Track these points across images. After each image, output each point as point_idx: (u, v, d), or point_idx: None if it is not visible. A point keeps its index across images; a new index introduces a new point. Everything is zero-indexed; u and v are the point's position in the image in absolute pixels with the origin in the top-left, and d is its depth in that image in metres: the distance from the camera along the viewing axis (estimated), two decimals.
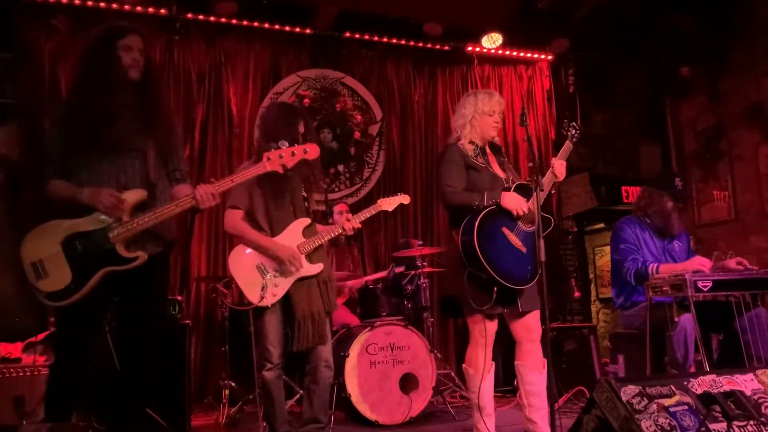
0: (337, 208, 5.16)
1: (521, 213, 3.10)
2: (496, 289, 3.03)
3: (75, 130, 2.64)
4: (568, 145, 3.42)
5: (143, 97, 2.76)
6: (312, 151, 2.86)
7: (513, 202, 3.10)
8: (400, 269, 4.94)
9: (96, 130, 2.62)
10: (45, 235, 2.59)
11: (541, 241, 3.00)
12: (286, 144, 2.86)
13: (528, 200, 3.15)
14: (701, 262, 3.60)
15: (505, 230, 3.09)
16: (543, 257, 2.78)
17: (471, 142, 3.27)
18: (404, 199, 3.75)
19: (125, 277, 2.61)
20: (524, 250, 3.09)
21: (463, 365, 3.29)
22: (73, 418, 3.12)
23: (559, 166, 3.27)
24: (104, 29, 2.81)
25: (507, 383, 4.90)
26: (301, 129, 3.33)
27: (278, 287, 3.17)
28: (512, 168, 3.48)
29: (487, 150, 3.35)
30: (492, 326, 3.19)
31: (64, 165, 2.68)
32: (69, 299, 2.54)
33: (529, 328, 3.20)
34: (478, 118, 3.26)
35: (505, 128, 6.60)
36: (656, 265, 3.70)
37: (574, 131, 3.45)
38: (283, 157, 2.79)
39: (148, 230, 2.64)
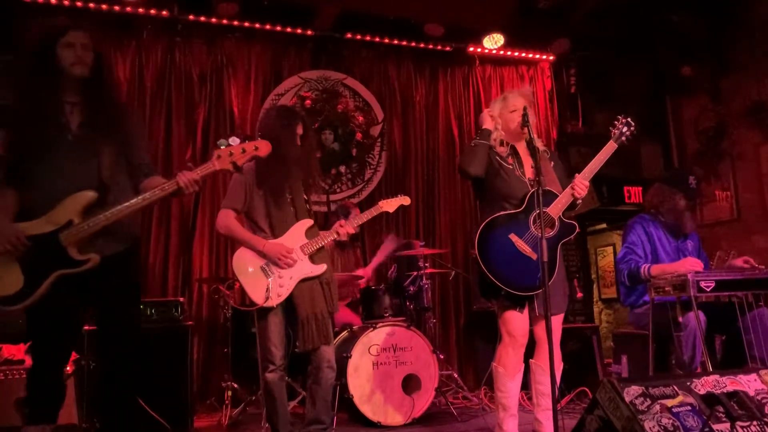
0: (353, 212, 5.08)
1: (487, 122, 3.22)
2: (503, 292, 3.05)
3: (24, 133, 2.57)
4: (610, 146, 3.29)
5: (92, 94, 2.67)
6: (263, 147, 2.77)
7: (486, 122, 3.24)
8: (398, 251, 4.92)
9: (45, 131, 2.56)
10: None
11: (527, 250, 3.01)
12: (237, 141, 2.79)
13: (548, 205, 3.13)
14: (692, 263, 3.59)
15: (513, 237, 3.07)
16: (545, 257, 2.77)
17: (502, 144, 3.27)
18: (405, 200, 3.75)
19: (90, 280, 2.56)
20: (534, 256, 3.04)
21: (493, 363, 3.26)
22: (76, 419, 3.13)
23: (579, 182, 3.18)
24: (43, 28, 2.72)
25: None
26: (300, 131, 3.34)
27: (283, 288, 3.18)
28: (552, 173, 3.33)
29: (519, 150, 3.29)
30: (517, 324, 3.15)
31: (15, 169, 2.59)
32: (22, 303, 2.48)
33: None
34: (500, 120, 3.27)
35: None
36: (648, 266, 3.69)
37: (625, 129, 3.30)
38: (233, 154, 2.69)
39: (105, 231, 2.57)
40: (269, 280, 3.17)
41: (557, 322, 3.21)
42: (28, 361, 3.76)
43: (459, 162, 3.30)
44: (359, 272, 5.03)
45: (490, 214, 3.14)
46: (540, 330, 3.22)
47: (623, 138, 3.32)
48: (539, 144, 3.24)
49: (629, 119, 3.33)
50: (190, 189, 2.64)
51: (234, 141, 2.77)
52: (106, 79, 2.76)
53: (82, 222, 2.54)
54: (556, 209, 3.15)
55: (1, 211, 2.56)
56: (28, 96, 2.61)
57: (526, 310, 3.15)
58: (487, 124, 3.24)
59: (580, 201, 3.24)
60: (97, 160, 2.63)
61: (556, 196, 3.17)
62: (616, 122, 3.35)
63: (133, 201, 2.59)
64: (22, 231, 2.50)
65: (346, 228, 3.40)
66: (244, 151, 2.71)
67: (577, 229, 3.25)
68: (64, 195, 2.55)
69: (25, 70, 2.67)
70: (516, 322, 3.14)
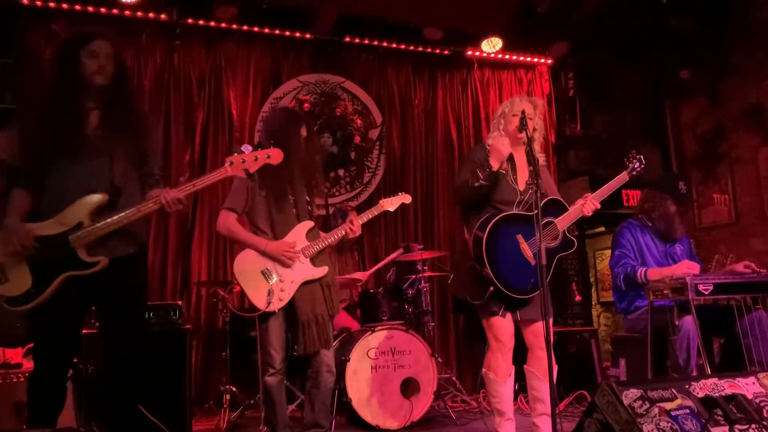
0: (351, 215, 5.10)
1: (504, 153, 3.10)
2: (491, 288, 3.04)
3: (42, 136, 2.62)
4: (623, 177, 3.37)
5: (112, 102, 2.73)
6: (275, 156, 2.80)
7: (496, 154, 3.10)
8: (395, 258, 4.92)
9: (62, 136, 2.60)
10: (4, 238, 2.56)
11: (542, 246, 3.00)
12: (250, 148, 2.82)
13: (557, 217, 3.14)
14: (689, 266, 3.60)
15: (520, 238, 3.07)
16: (544, 261, 2.77)
17: None
18: (406, 198, 3.75)
19: (98, 282, 2.58)
20: (533, 262, 3.05)
21: (483, 370, 3.27)
22: (74, 423, 3.12)
23: (591, 202, 3.19)
24: (69, 36, 2.79)
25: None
26: (303, 133, 3.35)
27: (284, 292, 3.18)
28: (552, 183, 3.39)
29: (516, 156, 3.28)
30: (503, 329, 3.15)
31: (29, 171, 2.65)
32: (29, 304, 2.51)
33: (539, 335, 3.20)
34: (503, 121, 3.27)
35: None
36: (644, 269, 3.71)
37: (638, 165, 3.41)
38: (245, 161, 2.73)
39: (116, 233, 2.60)
40: (271, 284, 3.17)
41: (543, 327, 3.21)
42: (26, 365, 3.76)
43: (457, 192, 3.26)
44: (357, 275, 5.03)
45: (476, 216, 3.14)
46: (530, 336, 3.23)
47: (634, 173, 3.42)
48: (540, 158, 3.24)
49: (641, 156, 3.44)
50: (173, 208, 2.64)
51: (246, 148, 2.80)
52: (125, 87, 2.82)
53: (92, 224, 2.56)
54: (563, 223, 3.16)
55: (12, 212, 2.61)
56: (49, 100, 2.66)
57: (508, 314, 3.15)
58: (495, 163, 3.14)
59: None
60: (110, 164, 2.67)
61: (566, 208, 3.18)
62: (630, 156, 3.45)
63: (130, 210, 2.61)
64: (32, 232, 2.54)
65: (357, 225, 3.41)
66: (256, 158, 2.75)
67: (575, 246, 3.26)
68: (76, 197, 2.58)
69: (47, 74, 2.74)
70: (502, 326, 3.14)
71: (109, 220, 2.58)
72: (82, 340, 3.39)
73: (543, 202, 3.10)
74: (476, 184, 3.07)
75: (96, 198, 2.59)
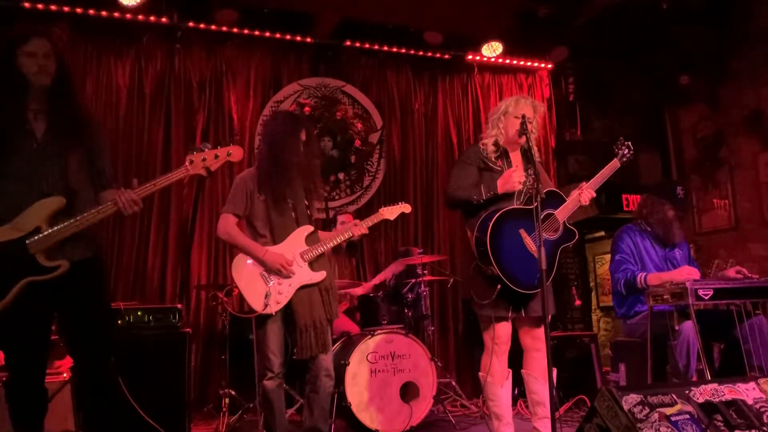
0: (341, 218, 5.14)
1: (516, 189, 3.11)
2: (499, 287, 3.03)
3: None
4: (614, 164, 3.41)
5: (56, 102, 2.64)
6: (235, 153, 2.76)
7: (506, 184, 3.11)
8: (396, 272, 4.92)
9: (10, 140, 2.53)
10: None
11: (532, 248, 3.01)
12: (209, 146, 2.79)
13: (556, 209, 3.15)
14: (689, 272, 3.61)
15: (523, 233, 3.07)
16: (544, 265, 2.77)
17: (495, 144, 3.28)
18: (405, 208, 3.76)
19: (58, 287, 2.52)
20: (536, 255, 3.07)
21: (480, 373, 3.27)
22: (72, 426, 3.11)
23: (587, 191, 3.22)
24: (4, 36, 2.68)
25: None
26: (303, 137, 3.35)
27: (282, 294, 3.18)
28: (548, 180, 3.42)
29: (512, 155, 3.31)
30: (503, 332, 3.16)
31: None
32: None
33: (536, 336, 3.20)
34: (504, 119, 3.27)
35: None
36: (644, 274, 3.71)
37: (626, 151, 3.44)
38: (206, 159, 2.69)
39: (75, 236, 2.55)
40: (268, 286, 3.17)
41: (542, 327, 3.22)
42: None
43: (451, 199, 3.27)
44: (358, 291, 5.04)
45: (477, 215, 3.14)
46: (527, 336, 3.23)
47: (624, 159, 3.46)
48: (536, 155, 3.26)
49: (629, 143, 3.48)
50: (129, 210, 2.59)
51: (206, 146, 2.76)
52: (70, 87, 2.72)
53: (51, 228, 2.50)
54: (562, 214, 3.17)
55: None
56: None
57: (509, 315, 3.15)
58: (502, 190, 3.13)
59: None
60: (63, 166, 2.60)
61: (564, 199, 3.19)
62: (618, 143, 3.48)
63: (89, 213, 2.56)
64: None
65: (361, 228, 3.42)
66: (217, 156, 2.72)
67: (577, 236, 3.26)
68: (30, 202, 2.51)
69: None
70: (501, 328, 3.14)
71: (67, 223, 2.51)
72: (51, 345, 3.36)
73: (543, 193, 3.13)
74: (479, 202, 3.12)
75: (53, 201, 2.53)
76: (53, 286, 2.51)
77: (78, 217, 2.53)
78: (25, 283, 2.46)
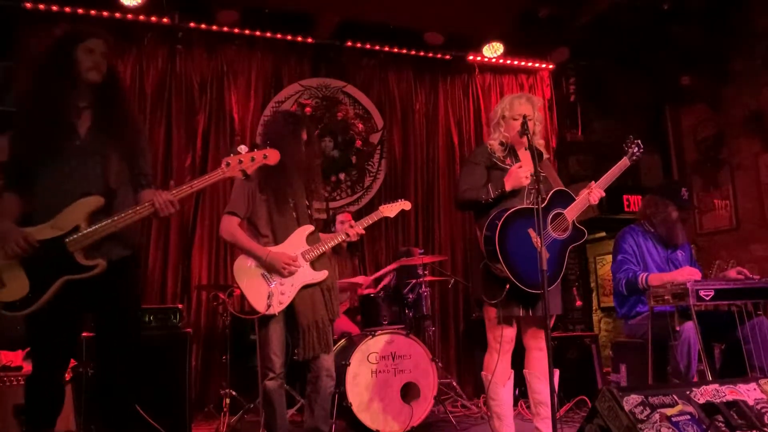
0: (339, 217, 5.16)
1: (524, 184, 3.11)
2: (508, 286, 3.03)
3: (32, 136, 2.58)
4: (624, 162, 3.39)
5: (104, 100, 2.70)
6: (272, 156, 2.79)
7: (513, 180, 3.11)
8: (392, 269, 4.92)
9: (54, 135, 2.57)
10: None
11: (544, 249, 3.00)
12: (246, 149, 2.81)
13: (565, 208, 3.15)
14: (690, 272, 3.60)
15: (531, 232, 3.06)
16: (545, 266, 2.77)
17: (501, 143, 3.28)
18: (405, 205, 3.76)
19: (93, 286, 2.55)
20: (546, 255, 3.06)
21: (482, 373, 3.26)
22: (73, 426, 3.11)
23: (596, 190, 3.23)
24: (65, 32, 2.76)
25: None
26: (304, 137, 3.36)
27: (284, 295, 3.18)
28: (556, 176, 3.42)
29: (520, 153, 3.31)
30: (508, 333, 3.17)
31: (19, 173, 2.61)
32: (27, 309, 2.48)
33: (541, 336, 3.20)
34: (503, 123, 3.28)
35: None
36: (646, 275, 3.71)
37: (636, 149, 3.42)
38: (242, 162, 2.72)
39: (112, 236, 2.58)
40: (271, 287, 3.17)
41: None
42: (27, 368, 3.75)
43: (460, 200, 3.27)
44: (359, 279, 5.03)
45: (486, 214, 3.14)
46: (530, 336, 3.23)
47: (634, 157, 3.43)
48: (543, 151, 3.27)
49: (638, 141, 3.44)
50: (166, 211, 2.61)
51: (242, 149, 2.79)
52: (118, 88, 2.80)
53: (89, 228, 2.53)
54: (572, 213, 3.17)
55: (3, 216, 2.56)
56: (39, 97, 2.62)
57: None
58: (510, 187, 3.14)
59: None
60: (104, 165, 2.63)
61: (573, 198, 3.19)
62: (628, 141, 3.45)
63: (127, 213, 2.59)
64: (30, 235, 2.50)
65: (357, 228, 3.42)
66: (253, 159, 2.74)
67: (585, 235, 3.26)
68: (70, 200, 2.55)
69: (39, 70, 2.69)
70: (507, 328, 3.15)
71: (105, 222, 2.54)
72: (78, 344, 3.38)
73: (550, 193, 3.14)
74: (488, 201, 3.12)
75: (92, 200, 2.56)
76: (89, 285, 2.54)
77: (116, 217, 2.57)
78: (63, 281, 2.50)
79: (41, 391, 2.59)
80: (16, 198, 2.62)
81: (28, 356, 3.80)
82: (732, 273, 3.72)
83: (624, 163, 3.40)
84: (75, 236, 2.52)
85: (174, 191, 2.64)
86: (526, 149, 3.28)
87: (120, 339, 2.66)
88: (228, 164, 2.71)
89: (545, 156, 3.35)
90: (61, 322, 2.57)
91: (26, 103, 2.70)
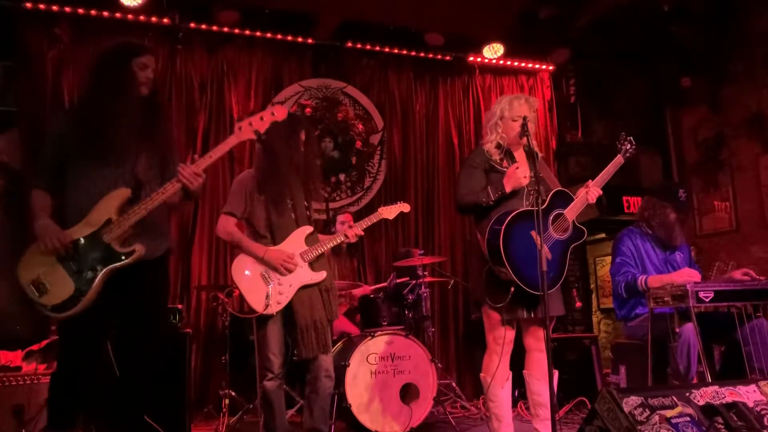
0: (340, 218, 5.15)
1: (523, 184, 3.11)
2: (513, 289, 3.02)
3: (77, 136, 2.68)
4: (618, 160, 3.40)
5: (148, 112, 2.81)
6: (279, 113, 2.87)
7: (512, 182, 3.11)
8: (402, 279, 4.91)
9: (100, 137, 2.65)
10: (36, 252, 2.60)
11: (545, 249, 3.00)
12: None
13: (565, 208, 3.15)
14: (690, 274, 3.60)
15: (534, 234, 3.06)
16: (544, 267, 2.77)
17: (498, 146, 3.28)
18: (404, 207, 3.76)
19: (125, 286, 2.61)
20: (549, 256, 3.05)
21: (481, 374, 3.27)
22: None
23: (593, 189, 3.22)
24: (123, 43, 2.89)
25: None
26: (303, 138, 3.36)
27: (282, 295, 3.18)
28: (552, 176, 3.44)
29: (516, 154, 3.31)
30: (510, 334, 3.17)
31: (56, 172, 2.71)
32: (77, 306, 2.55)
33: (540, 336, 3.20)
34: (501, 123, 3.27)
35: None
36: (645, 277, 3.70)
37: (629, 146, 3.44)
38: (253, 124, 2.82)
39: (145, 233, 2.67)
40: (269, 287, 3.17)
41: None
42: (26, 368, 3.76)
43: (460, 203, 3.27)
44: (354, 291, 5.04)
45: (488, 217, 3.14)
46: (531, 337, 3.23)
47: (627, 154, 3.45)
48: (538, 151, 3.26)
49: (631, 138, 3.48)
50: (195, 183, 2.70)
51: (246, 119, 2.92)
52: (160, 100, 2.97)
53: (120, 218, 2.62)
54: (572, 213, 3.17)
55: (41, 213, 2.66)
56: (94, 105, 2.72)
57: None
58: (510, 188, 3.14)
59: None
60: (134, 161, 2.73)
61: (572, 198, 3.19)
62: (621, 138, 3.48)
63: (155, 194, 2.67)
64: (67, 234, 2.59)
65: (355, 229, 3.42)
66: (262, 118, 2.84)
67: (585, 234, 3.26)
68: (101, 197, 2.64)
69: (96, 78, 2.79)
70: (508, 330, 3.15)
71: (135, 208, 2.64)
72: (105, 344, 3.40)
73: (549, 194, 3.14)
74: (488, 203, 3.12)
75: (120, 193, 2.66)
76: (120, 286, 2.61)
77: (144, 201, 2.65)
78: (108, 271, 2.59)
79: (64, 389, 2.63)
80: (46, 195, 2.72)
81: (27, 356, 3.81)
82: (737, 274, 3.70)
83: (618, 160, 3.40)
84: (109, 227, 2.61)
85: (197, 162, 2.74)
86: (524, 149, 3.28)
87: (147, 338, 2.73)
88: (240, 128, 2.81)
89: (540, 155, 3.34)
90: (92, 323, 2.62)
91: (80, 105, 2.85)
